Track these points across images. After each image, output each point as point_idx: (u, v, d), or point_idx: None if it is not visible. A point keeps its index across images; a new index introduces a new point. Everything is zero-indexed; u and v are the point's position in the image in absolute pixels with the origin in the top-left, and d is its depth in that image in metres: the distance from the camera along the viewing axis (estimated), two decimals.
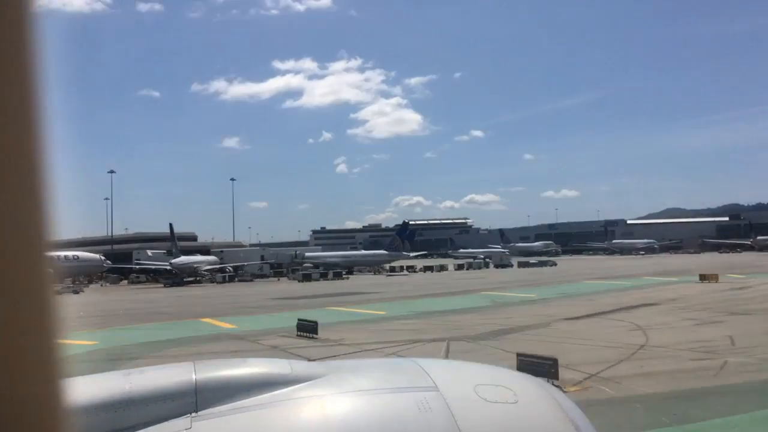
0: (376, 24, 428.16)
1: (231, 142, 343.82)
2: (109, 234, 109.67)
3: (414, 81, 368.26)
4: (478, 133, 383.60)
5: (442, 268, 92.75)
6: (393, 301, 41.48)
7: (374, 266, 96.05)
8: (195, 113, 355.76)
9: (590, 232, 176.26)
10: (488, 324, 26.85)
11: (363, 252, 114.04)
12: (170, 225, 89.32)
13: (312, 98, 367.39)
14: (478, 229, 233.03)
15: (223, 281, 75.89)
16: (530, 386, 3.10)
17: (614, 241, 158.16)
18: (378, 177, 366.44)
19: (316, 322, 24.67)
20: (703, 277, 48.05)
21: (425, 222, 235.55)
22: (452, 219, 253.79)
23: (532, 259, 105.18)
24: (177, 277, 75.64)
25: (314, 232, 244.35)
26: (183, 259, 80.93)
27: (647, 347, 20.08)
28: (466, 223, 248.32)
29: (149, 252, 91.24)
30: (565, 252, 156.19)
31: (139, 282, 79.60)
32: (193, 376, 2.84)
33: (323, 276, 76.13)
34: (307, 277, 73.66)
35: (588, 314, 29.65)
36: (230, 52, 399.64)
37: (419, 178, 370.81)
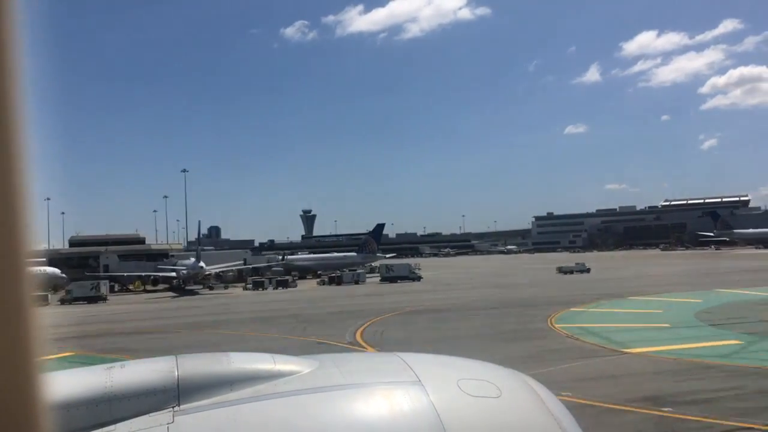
0: None
1: (576, 129, 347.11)
2: None
3: None
4: None
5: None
6: None
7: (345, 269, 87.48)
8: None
9: None
10: None
11: (333, 255, 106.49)
12: None
13: (661, 75, 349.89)
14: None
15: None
16: (513, 381, 3.09)
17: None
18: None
19: None
20: None
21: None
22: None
23: None
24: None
25: (537, 218, 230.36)
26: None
27: None
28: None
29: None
30: None
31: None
32: (176, 371, 2.81)
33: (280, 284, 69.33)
34: (258, 285, 69.25)
35: None
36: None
37: None
